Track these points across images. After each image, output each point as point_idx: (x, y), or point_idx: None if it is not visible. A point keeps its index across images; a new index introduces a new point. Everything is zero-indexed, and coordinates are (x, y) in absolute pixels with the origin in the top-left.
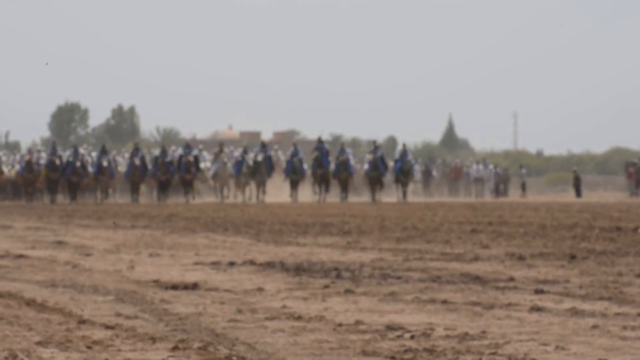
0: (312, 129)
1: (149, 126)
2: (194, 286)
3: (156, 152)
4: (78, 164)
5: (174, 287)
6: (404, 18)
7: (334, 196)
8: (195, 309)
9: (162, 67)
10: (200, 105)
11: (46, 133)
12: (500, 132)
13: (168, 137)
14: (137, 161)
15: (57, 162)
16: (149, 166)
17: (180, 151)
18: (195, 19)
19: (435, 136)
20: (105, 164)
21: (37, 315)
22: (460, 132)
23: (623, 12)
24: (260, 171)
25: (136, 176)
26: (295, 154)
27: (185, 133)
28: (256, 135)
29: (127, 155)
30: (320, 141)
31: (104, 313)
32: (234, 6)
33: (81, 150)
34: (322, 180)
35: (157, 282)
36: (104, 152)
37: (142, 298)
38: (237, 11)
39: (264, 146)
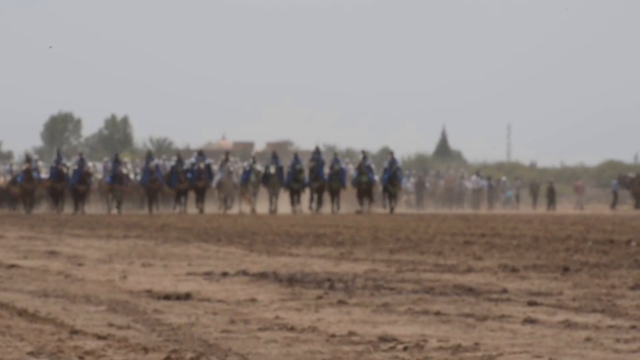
0: (306, 140)
1: (142, 136)
2: (187, 296)
3: (172, 161)
4: (86, 170)
5: (167, 297)
6: (398, 30)
7: (329, 207)
8: (188, 319)
9: (155, 77)
10: (193, 116)
11: (39, 143)
12: (494, 143)
13: (161, 147)
14: (153, 168)
15: (65, 170)
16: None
17: (192, 159)
18: (189, 28)
19: (428, 147)
20: (125, 171)
21: (29, 325)
22: (454, 144)
23: (616, 26)
24: (273, 182)
25: (155, 184)
26: (296, 163)
27: (179, 143)
28: (249, 145)
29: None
30: (317, 151)
31: (96, 323)
32: (227, 17)
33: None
34: (318, 192)
35: (149, 292)
36: (117, 162)
37: (135, 308)
38: (231, 21)
39: (275, 157)
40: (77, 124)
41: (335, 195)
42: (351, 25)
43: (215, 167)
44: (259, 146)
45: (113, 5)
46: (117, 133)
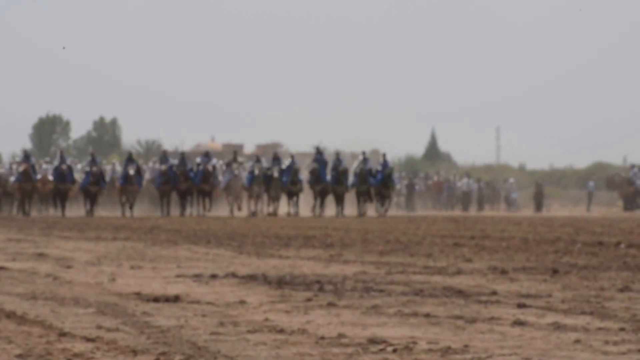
0: (296, 142)
1: (130, 138)
2: (176, 299)
3: (175, 160)
4: (95, 170)
5: (156, 299)
6: (388, 33)
7: (331, 210)
8: (177, 321)
9: (144, 79)
10: (182, 118)
11: (27, 145)
12: (483, 146)
13: (150, 149)
14: (163, 168)
15: (69, 171)
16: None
17: (197, 160)
18: (178, 30)
19: (418, 149)
20: (132, 172)
21: (17, 328)
22: (443, 146)
23: (606, 29)
24: (275, 185)
25: (168, 186)
26: (293, 164)
27: (168, 145)
28: (239, 147)
29: (108, 167)
30: (318, 152)
31: (85, 326)
32: (216, 19)
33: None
34: (321, 196)
35: (138, 295)
36: (130, 160)
37: (124, 310)
38: (221, 23)
39: (276, 158)
40: (66, 125)
41: (340, 198)
42: (340, 29)
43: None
44: (248, 148)
45: (102, 6)
46: (105, 135)
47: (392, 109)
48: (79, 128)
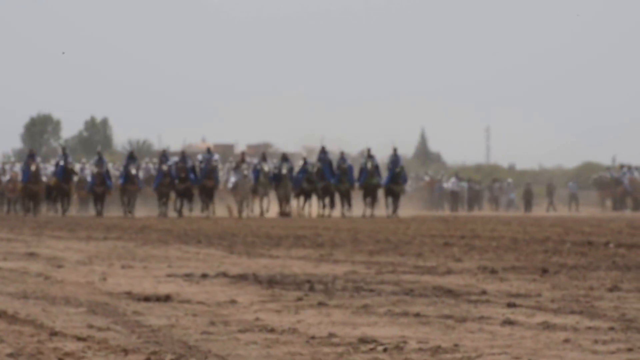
0: (287, 141)
1: (121, 138)
2: (167, 298)
3: (175, 158)
4: (99, 171)
5: (147, 299)
6: (378, 33)
7: (336, 210)
8: (168, 321)
9: (135, 79)
10: (174, 117)
11: (19, 144)
12: (473, 146)
13: (141, 149)
14: (165, 168)
15: (75, 170)
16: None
17: (199, 157)
18: (169, 30)
19: (408, 150)
20: (133, 172)
21: (9, 327)
22: (433, 146)
23: (598, 31)
24: (284, 184)
25: (165, 185)
26: (305, 165)
27: (160, 145)
28: (229, 147)
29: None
30: (323, 151)
31: (76, 325)
32: (207, 19)
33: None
34: (324, 194)
35: (129, 294)
36: (131, 159)
37: (115, 310)
38: (212, 23)
39: (285, 158)
40: (57, 125)
41: (345, 196)
42: (332, 30)
43: (223, 166)
44: (239, 148)
45: (93, 6)
46: (96, 135)
47: (382, 109)
48: (70, 128)
